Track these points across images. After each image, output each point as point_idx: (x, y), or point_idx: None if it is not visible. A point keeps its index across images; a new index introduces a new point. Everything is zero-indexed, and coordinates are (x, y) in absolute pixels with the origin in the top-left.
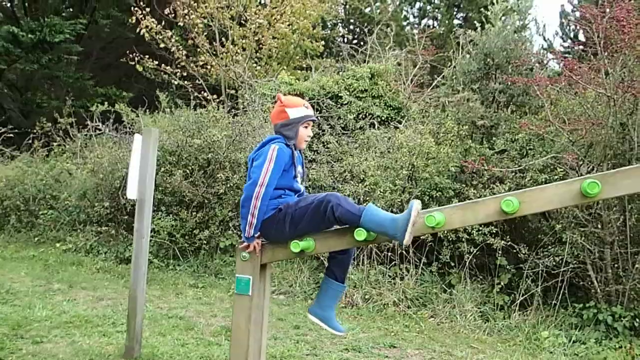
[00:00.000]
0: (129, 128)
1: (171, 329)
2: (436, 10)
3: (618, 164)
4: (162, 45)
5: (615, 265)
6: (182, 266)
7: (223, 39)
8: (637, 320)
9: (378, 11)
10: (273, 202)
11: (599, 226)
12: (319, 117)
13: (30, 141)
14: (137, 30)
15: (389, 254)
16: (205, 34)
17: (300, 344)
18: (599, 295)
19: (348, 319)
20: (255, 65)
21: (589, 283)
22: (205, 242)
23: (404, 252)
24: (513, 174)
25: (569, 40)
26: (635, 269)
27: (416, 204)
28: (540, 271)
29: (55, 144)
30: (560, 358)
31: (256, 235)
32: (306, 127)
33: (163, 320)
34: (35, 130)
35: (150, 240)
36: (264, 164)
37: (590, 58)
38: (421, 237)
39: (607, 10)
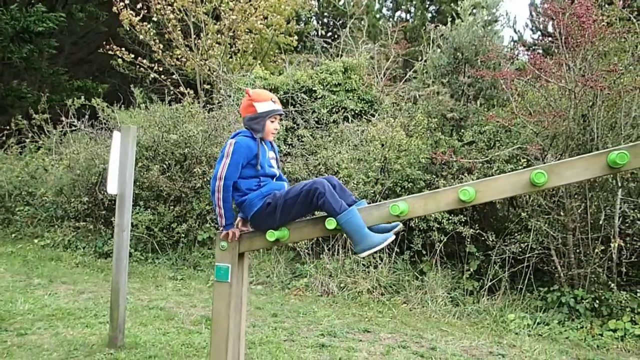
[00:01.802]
0: (105, 124)
1: (152, 319)
2: (409, 3)
3: (580, 154)
4: (141, 37)
5: (577, 251)
6: (161, 259)
7: (200, 33)
8: (597, 302)
9: (352, 4)
10: (256, 194)
11: (562, 213)
12: (292, 112)
13: (4, 137)
14: (119, 22)
15: None
16: (179, 29)
17: (278, 331)
18: (562, 279)
19: (324, 306)
20: (230, 60)
21: (553, 268)
22: (183, 235)
23: None
24: (481, 164)
25: (539, 33)
26: (596, 254)
27: (391, 238)
28: (507, 257)
29: (28, 140)
30: (525, 339)
31: (233, 223)
32: (273, 121)
33: (144, 311)
34: (8, 127)
35: (130, 235)
36: (222, 159)
37: (554, 52)
38: None
39: (568, 6)
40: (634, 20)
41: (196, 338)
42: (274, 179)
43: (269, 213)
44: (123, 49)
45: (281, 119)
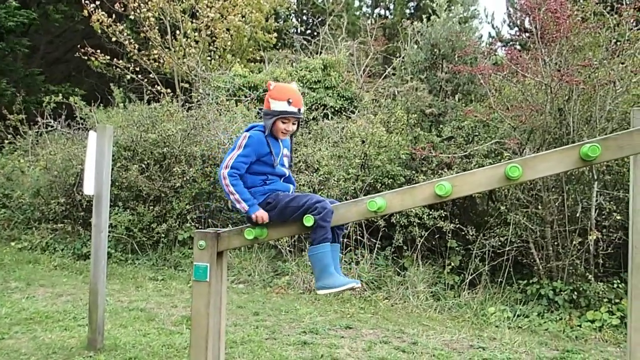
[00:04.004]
0: (82, 124)
1: (132, 321)
2: None
3: (557, 147)
4: (113, 39)
5: (555, 243)
6: (141, 260)
7: (176, 32)
8: (576, 293)
9: (331, 1)
10: (259, 189)
11: (540, 207)
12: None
13: None
14: (89, 23)
15: (345, 240)
16: (157, 27)
17: (259, 329)
18: (541, 272)
19: (306, 304)
20: (208, 58)
21: (532, 260)
22: (163, 235)
23: (359, 237)
24: (460, 159)
25: (516, 29)
26: (573, 246)
27: (353, 284)
28: (487, 251)
29: (7, 141)
30: (505, 331)
31: (257, 204)
32: (285, 122)
33: (124, 313)
34: None
35: (108, 236)
36: (233, 150)
37: (530, 47)
38: (375, 223)
39: (543, 2)
40: (608, 15)
41: (177, 338)
42: (282, 179)
43: (267, 211)
44: (99, 50)
45: (297, 121)
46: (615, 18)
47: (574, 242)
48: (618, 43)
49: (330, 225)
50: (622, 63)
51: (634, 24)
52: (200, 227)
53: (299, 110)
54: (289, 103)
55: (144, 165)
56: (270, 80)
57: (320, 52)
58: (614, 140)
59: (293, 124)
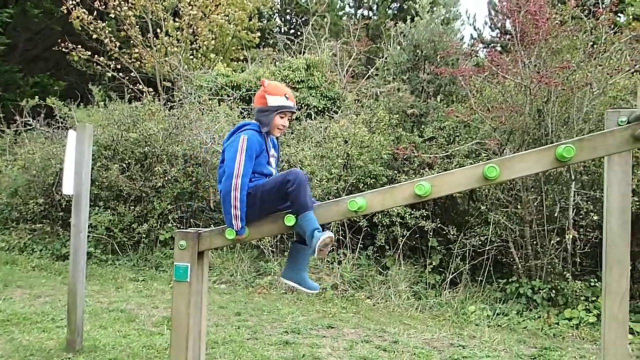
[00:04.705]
0: (62, 123)
1: (112, 322)
2: (372, 0)
3: (535, 148)
4: (94, 37)
5: (534, 242)
6: (122, 260)
7: (157, 30)
8: (554, 292)
9: (314, 1)
10: None
11: (519, 206)
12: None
13: None
14: (68, 20)
15: None
16: (138, 25)
17: (241, 329)
18: (520, 271)
19: (288, 304)
20: (191, 57)
21: (511, 260)
22: (144, 235)
23: (341, 237)
24: (441, 159)
25: (497, 30)
26: (552, 245)
27: (323, 237)
28: (468, 250)
29: None
30: (484, 330)
31: (245, 227)
32: (282, 116)
33: (104, 314)
34: None
35: (88, 236)
36: (236, 156)
37: (510, 49)
38: (357, 223)
39: (523, 4)
40: (585, 19)
41: (158, 339)
42: (267, 178)
43: (249, 205)
44: (79, 46)
45: (292, 116)
46: (592, 21)
47: (552, 242)
48: (595, 46)
49: (306, 194)
50: (600, 65)
51: (610, 27)
52: (182, 227)
53: (294, 105)
54: (287, 98)
55: (124, 165)
56: (264, 78)
57: (304, 52)
58: (588, 141)
59: (288, 119)
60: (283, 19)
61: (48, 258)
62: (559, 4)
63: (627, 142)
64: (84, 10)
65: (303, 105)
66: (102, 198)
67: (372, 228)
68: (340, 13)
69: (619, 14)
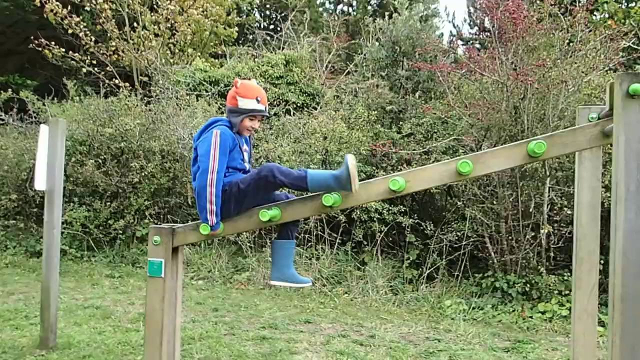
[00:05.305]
0: (35, 117)
1: (87, 319)
2: None
3: None
4: (70, 31)
5: (510, 237)
6: (98, 257)
7: (134, 24)
8: (528, 286)
9: None
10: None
11: (495, 202)
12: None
13: None
14: (42, 13)
15: (306, 235)
16: (114, 19)
17: (218, 325)
18: (496, 265)
19: (266, 299)
20: (168, 51)
21: (487, 254)
22: (120, 232)
23: (320, 233)
24: (419, 156)
25: (476, 28)
26: (526, 240)
27: (350, 159)
28: (445, 246)
29: None
30: (460, 323)
31: (220, 222)
32: (252, 119)
33: (79, 311)
34: None
35: (63, 232)
36: (210, 151)
37: (488, 46)
38: (336, 219)
39: (501, 2)
40: (562, 17)
41: (133, 336)
42: (242, 173)
43: (224, 202)
44: (53, 42)
45: (263, 119)
46: (568, 19)
47: (527, 237)
48: (571, 44)
49: (283, 177)
50: (575, 63)
51: (586, 25)
52: (159, 223)
53: (266, 108)
54: (258, 101)
55: (100, 161)
56: (237, 78)
57: (283, 48)
58: (559, 137)
59: (259, 121)
60: (263, 15)
61: (22, 255)
62: (537, 2)
63: (597, 138)
64: (58, 3)
65: (282, 101)
66: (78, 194)
67: (350, 224)
68: (320, 9)
69: (594, 13)
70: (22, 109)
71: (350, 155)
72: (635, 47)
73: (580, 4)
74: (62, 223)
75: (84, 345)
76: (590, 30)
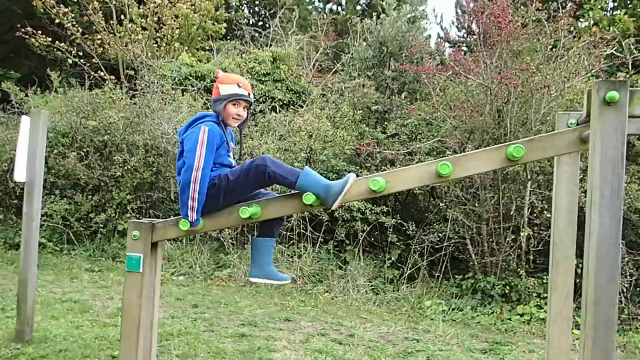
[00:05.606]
0: (18, 108)
1: (65, 312)
2: None
3: None
4: (56, 21)
5: (490, 240)
6: (77, 250)
7: (121, 17)
8: (508, 288)
9: None
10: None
11: (477, 204)
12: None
13: None
14: (29, 2)
15: (288, 233)
16: (101, 11)
17: (198, 322)
18: (476, 267)
19: (247, 296)
20: (155, 45)
21: (468, 256)
22: (102, 225)
23: (302, 231)
24: (403, 156)
25: (464, 30)
26: (507, 243)
27: (352, 179)
28: (426, 246)
29: None
30: (439, 324)
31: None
32: (234, 104)
33: (57, 304)
34: None
35: (43, 225)
36: (196, 148)
37: (474, 49)
38: (318, 217)
39: (487, 6)
40: (545, 23)
41: (111, 331)
42: (228, 169)
43: (212, 196)
44: (40, 31)
45: (249, 106)
46: (552, 25)
47: (508, 239)
48: (554, 49)
49: (274, 167)
50: (558, 69)
51: (569, 31)
52: (141, 217)
53: (249, 94)
54: (239, 86)
55: (83, 153)
56: (218, 69)
57: (271, 45)
58: (538, 141)
59: (244, 108)
60: (251, 11)
61: (0, 247)
62: (522, 7)
63: (575, 144)
64: None
65: (268, 98)
66: (59, 186)
67: (332, 222)
68: (309, 7)
69: (580, 19)
70: (4, 99)
71: (354, 176)
72: (617, 54)
73: (564, 10)
74: (42, 216)
75: (61, 339)
76: (574, 37)
